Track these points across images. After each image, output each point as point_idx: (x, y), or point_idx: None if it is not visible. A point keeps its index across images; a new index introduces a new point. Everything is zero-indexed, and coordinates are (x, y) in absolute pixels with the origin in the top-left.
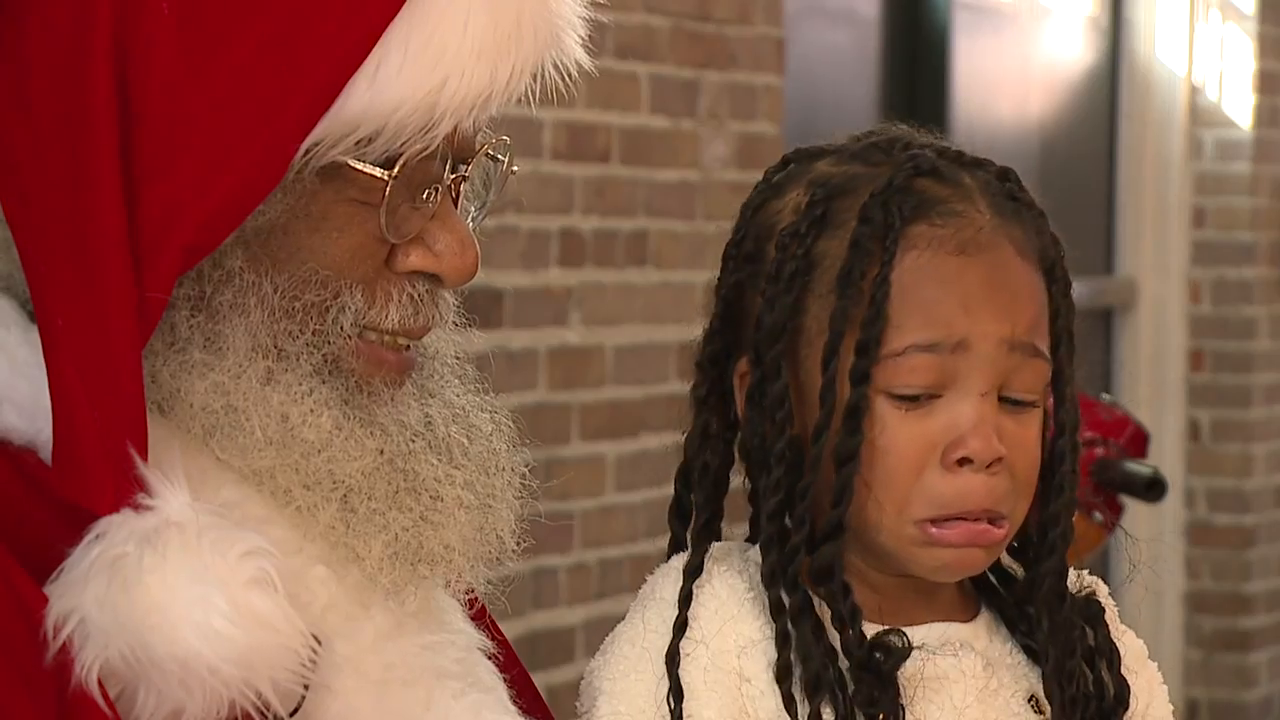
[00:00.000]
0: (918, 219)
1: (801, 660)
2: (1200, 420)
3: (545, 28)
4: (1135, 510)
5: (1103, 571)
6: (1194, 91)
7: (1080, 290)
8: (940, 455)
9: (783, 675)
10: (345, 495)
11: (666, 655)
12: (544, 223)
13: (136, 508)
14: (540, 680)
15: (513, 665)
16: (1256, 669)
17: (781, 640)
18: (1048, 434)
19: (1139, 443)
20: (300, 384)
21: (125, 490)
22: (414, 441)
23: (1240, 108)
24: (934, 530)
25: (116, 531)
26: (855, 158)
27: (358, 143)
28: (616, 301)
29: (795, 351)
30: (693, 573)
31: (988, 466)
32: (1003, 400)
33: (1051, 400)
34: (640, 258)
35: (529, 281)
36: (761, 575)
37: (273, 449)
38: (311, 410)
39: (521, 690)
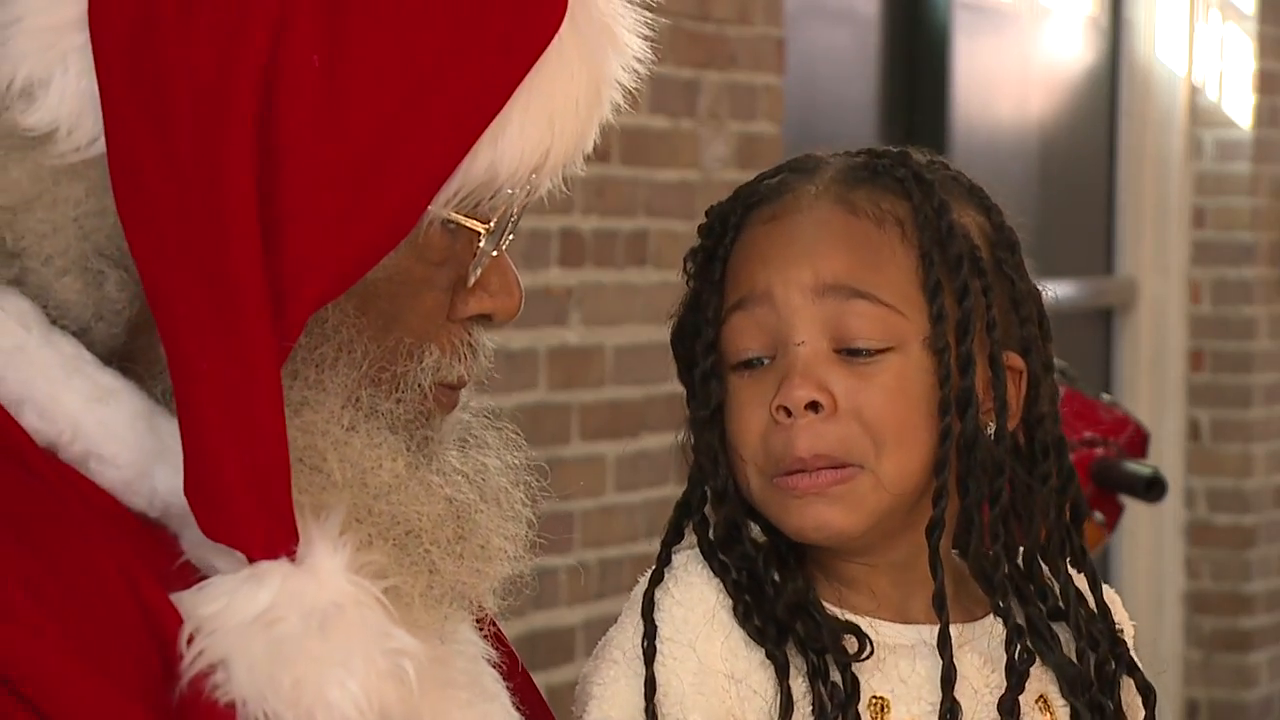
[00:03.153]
0: (756, 205)
1: (760, 616)
2: (1200, 420)
3: (615, 82)
4: (1135, 510)
5: (1103, 570)
6: (1194, 91)
7: (1080, 290)
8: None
9: (744, 619)
10: (405, 534)
11: (644, 653)
12: (544, 223)
13: (292, 556)
14: (540, 680)
15: (516, 674)
16: (1256, 669)
17: (737, 601)
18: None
19: (1139, 443)
20: (379, 431)
21: (278, 536)
22: (473, 491)
23: (1240, 108)
24: (777, 480)
25: (276, 586)
26: (787, 168)
27: (462, 198)
28: (616, 301)
29: None
30: (657, 577)
31: (807, 410)
32: (842, 352)
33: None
34: (640, 258)
35: (529, 281)
36: (703, 553)
37: (345, 489)
38: (388, 455)
39: (525, 697)
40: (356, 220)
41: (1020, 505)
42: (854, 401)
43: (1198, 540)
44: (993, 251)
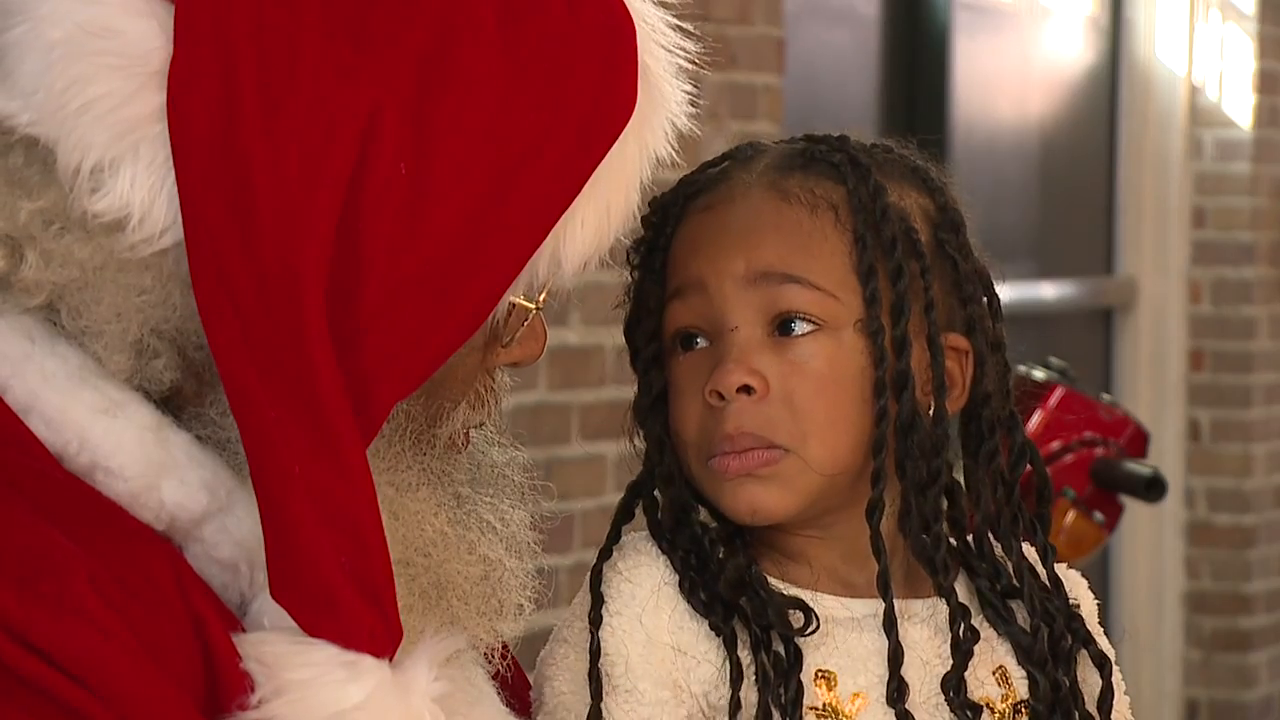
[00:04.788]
0: (695, 195)
1: (705, 590)
2: (1200, 420)
3: (662, 137)
4: (1135, 510)
5: (1103, 570)
6: (1194, 91)
7: (1080, 290)
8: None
9: (689, 593)
10: (432, 586)
11: (590, 621)
12: None
13: (391, 657)
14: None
15: (507, 680)
16: (1256, 669)
17: (683, 577)
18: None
19: (1139, 443)
20: (423, 488)
21: (381, 635)
22: (503, 546)
23: (1240, 108)
24: (711, 462)
25: (369, 689)
26: (728, 157)
27: (525, 288)
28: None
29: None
30: (605, 553)
31: (739, 394)
32: (775, 335)
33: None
34: None
35: None
36: (650, 531)
37: (391, 545)
38: (431, 511)
39: (517, 697)
40: (434, 324)
41: (969, 482)
42: (786, 386)
43: (1198, 540)
44: (935, 232)
